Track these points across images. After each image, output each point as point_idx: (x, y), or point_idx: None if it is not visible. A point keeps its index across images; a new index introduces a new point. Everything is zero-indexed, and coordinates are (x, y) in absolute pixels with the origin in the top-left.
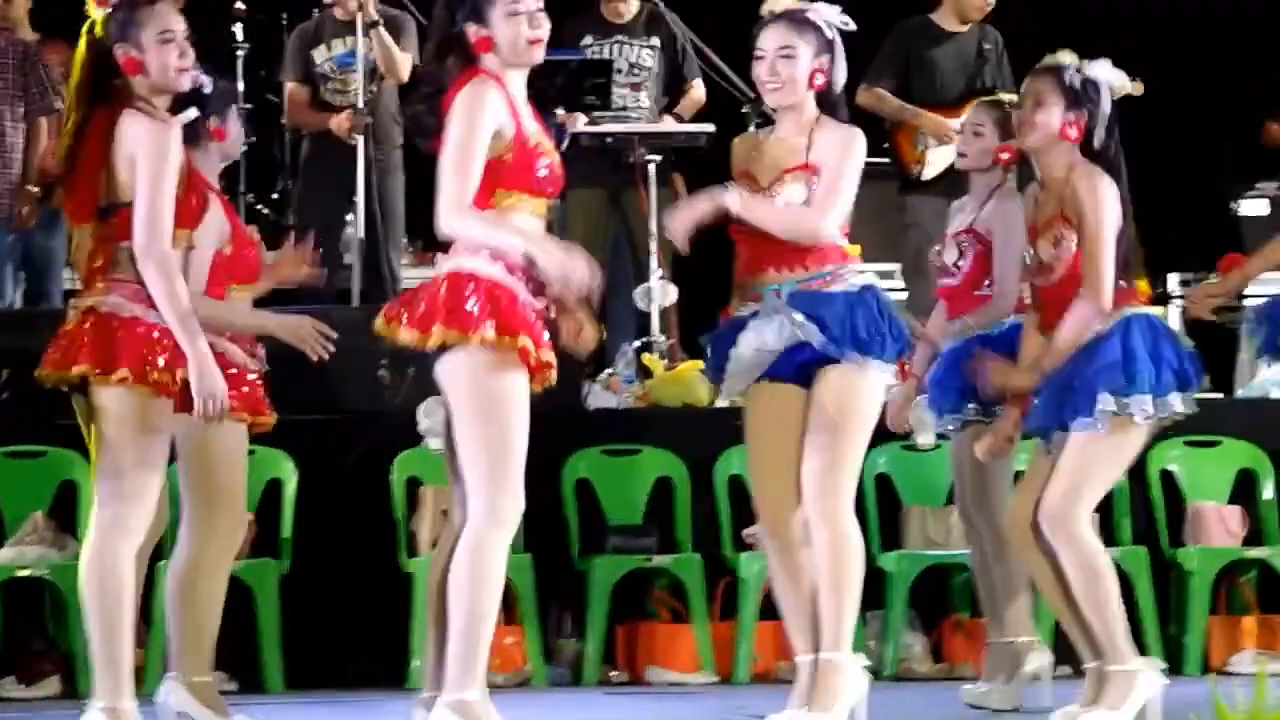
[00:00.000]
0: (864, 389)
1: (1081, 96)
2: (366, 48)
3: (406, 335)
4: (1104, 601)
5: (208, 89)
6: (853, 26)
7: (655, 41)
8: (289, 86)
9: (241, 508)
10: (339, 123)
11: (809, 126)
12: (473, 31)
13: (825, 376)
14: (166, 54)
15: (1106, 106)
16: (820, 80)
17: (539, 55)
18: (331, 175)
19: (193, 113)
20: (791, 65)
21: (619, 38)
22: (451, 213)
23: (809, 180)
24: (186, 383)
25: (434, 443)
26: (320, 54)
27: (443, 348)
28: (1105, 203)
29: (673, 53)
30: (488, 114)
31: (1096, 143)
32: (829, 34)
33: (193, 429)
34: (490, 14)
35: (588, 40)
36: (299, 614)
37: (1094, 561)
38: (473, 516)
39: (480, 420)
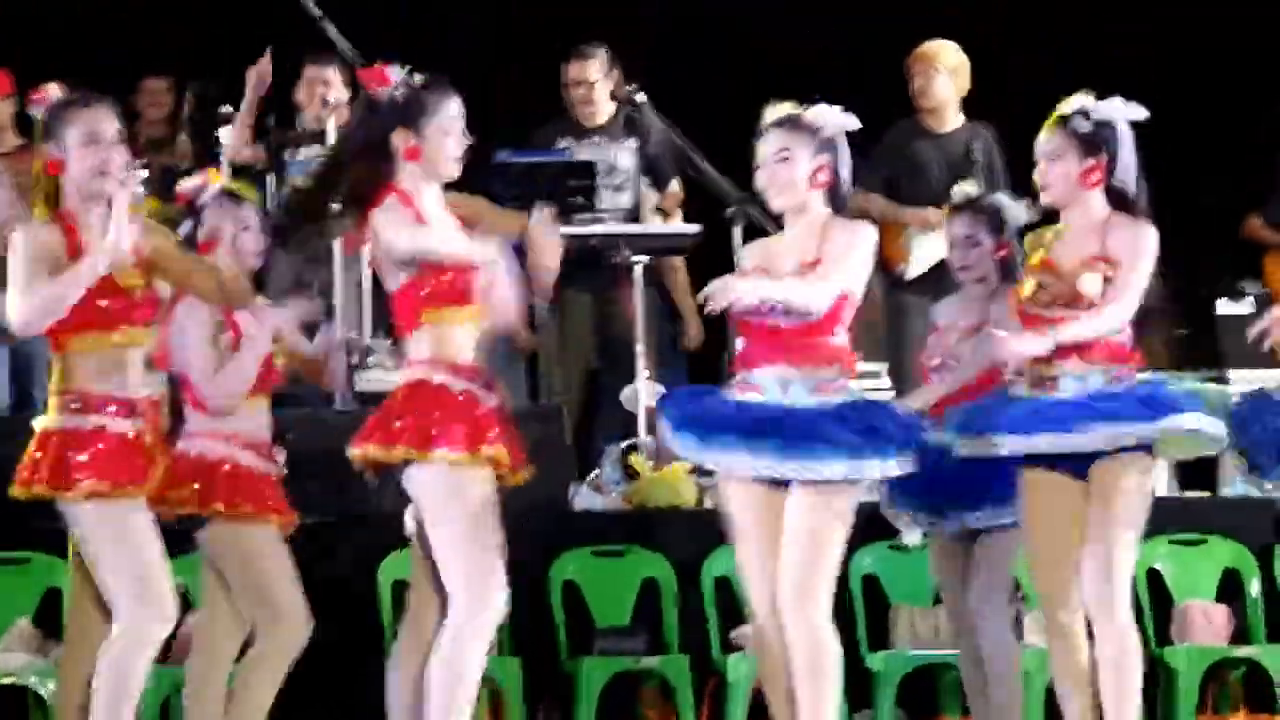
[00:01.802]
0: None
1: (1096, 139)
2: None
3: (376, 453)
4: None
5: (205, 199)
6: (855, 125)
7: (632, 143)
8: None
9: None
10: None
11: (818, 225)
12: (402, 139)
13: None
14: (88, 156)
15: (1126, 144)
16: (823, 179)
17: (457, 172)
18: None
19: (185, 225)
20: (789, 168)
21: (596, 139)
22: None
23: None
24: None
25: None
26: (294, 159)
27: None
28: (1145, 249)
29: (651, 154)
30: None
31: (1118, 183)
32: (828, 133)
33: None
34: (425, 125)
35: (564, 144)
36: (287, 716)
37: None
38: (452, 614)
39: (451, 525)
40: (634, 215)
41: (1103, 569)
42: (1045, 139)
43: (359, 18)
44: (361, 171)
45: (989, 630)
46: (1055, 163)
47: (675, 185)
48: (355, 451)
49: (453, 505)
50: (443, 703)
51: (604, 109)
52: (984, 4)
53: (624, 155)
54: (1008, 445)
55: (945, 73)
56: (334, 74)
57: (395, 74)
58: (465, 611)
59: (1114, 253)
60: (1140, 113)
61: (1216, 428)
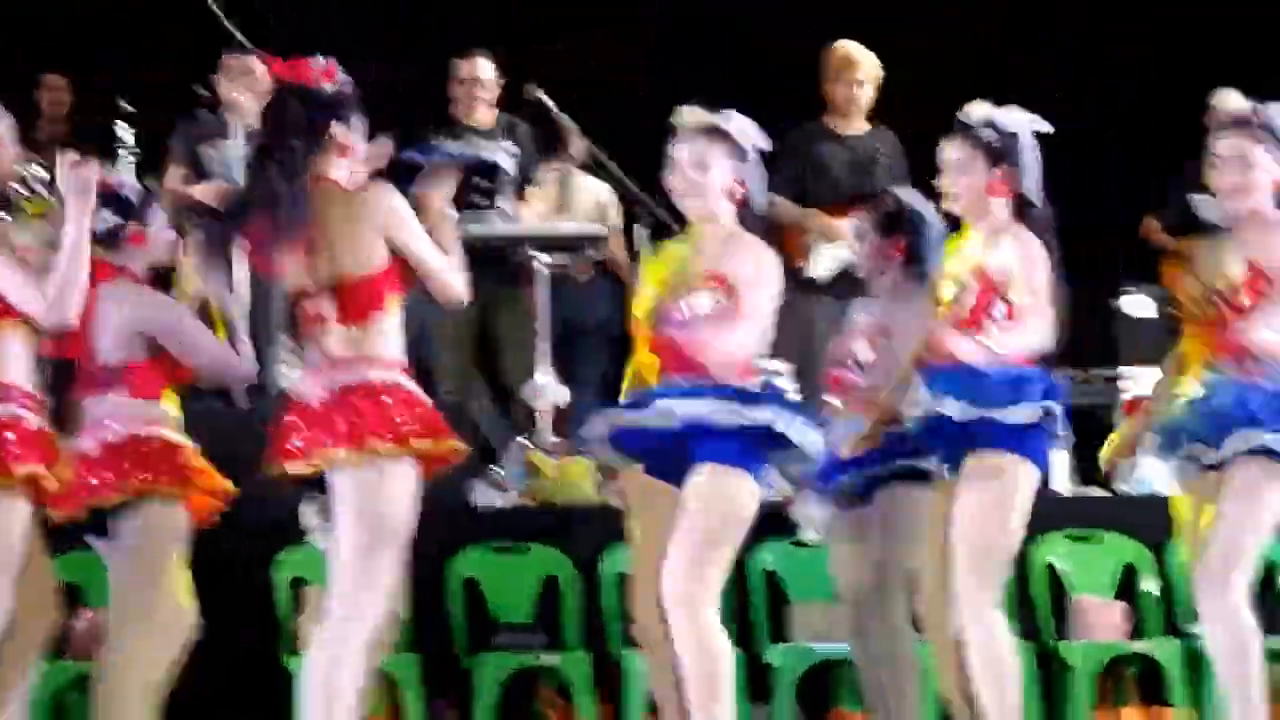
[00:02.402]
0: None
1: (1002, 151)
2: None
3: (299, 467)
4: None
5: (126, 192)
6: (766, 145)
7: (511, 144)
8: (172, 171)
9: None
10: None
11: (723, 238)
12: (341, 133)
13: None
14: None
15: (1030, 154)
16: (738, 192)
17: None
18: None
19: (109, 216)
20: (705, 176)
21: (477, 140)
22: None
23: (716, 292)
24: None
25: (320, 539)
26: (209, 151)
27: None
28: (1038, 264)
29: (524, 159)
30: None
31: (1025, 191)
32: (744, 145)
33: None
34: (357, 121)
35: (447, 142)
36: (178, 713)
37: None
38: (335, 613)
39: (364, 526)
40: (517, 216)
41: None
42: (950, 149)
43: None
44: (291, 165)
45: (885, 625)
46: (962, 174)
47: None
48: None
49: (370, 511)
50: (334, 702)
51: (487, 109)
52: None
53: (504, 157)
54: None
55: (870, 83)
56: (258, 65)
57: (338, 69)
58: (348, 614)
59: (1006, 266)
60: (1045, 125)
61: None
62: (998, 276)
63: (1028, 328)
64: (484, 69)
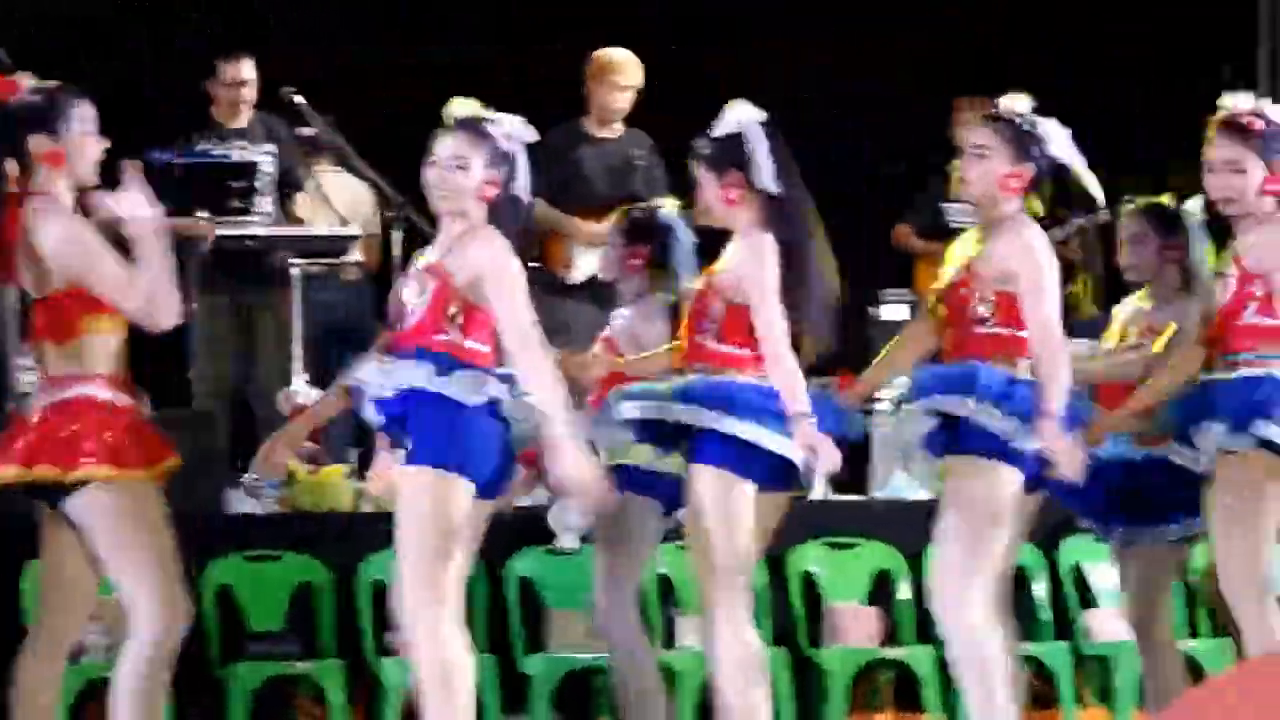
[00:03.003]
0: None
1: (724, 157)
2: None
3: (10, 474)
4: None
5: None
6: (534, 138)
7: (271, 147)
8: None
9: None
10: None
11: (461, 234)
12: (38, 144)
13: None
14: None
15: (762, 152)
16: (492, 193)
17: (95, 176)
18: None
19: None
20: (463, 175)
21: (237, 142)
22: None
23: (425, 280)
24: None
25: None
26: None
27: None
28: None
29: (285, 159)
30: None
31: (766, 184)
32: (505, 146)
33: None
34: (63, 128)
35: (204, 145)
36: None
37: None
38: (133, 630)
39: (122, 544)
40: (277, 219)
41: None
42: (691, 161)
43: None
44: None
45: (620, 632)
46: (699, 188)
47: (306, 192)
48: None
49: (122, 525)
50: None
51: (247, 112)
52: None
53: (264, 159)
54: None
55: (633, 90)
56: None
57: (25, 81)
58: (145, 630)
59: (738, 274)
60: (762, 116)
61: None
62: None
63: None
64: (247, 70)
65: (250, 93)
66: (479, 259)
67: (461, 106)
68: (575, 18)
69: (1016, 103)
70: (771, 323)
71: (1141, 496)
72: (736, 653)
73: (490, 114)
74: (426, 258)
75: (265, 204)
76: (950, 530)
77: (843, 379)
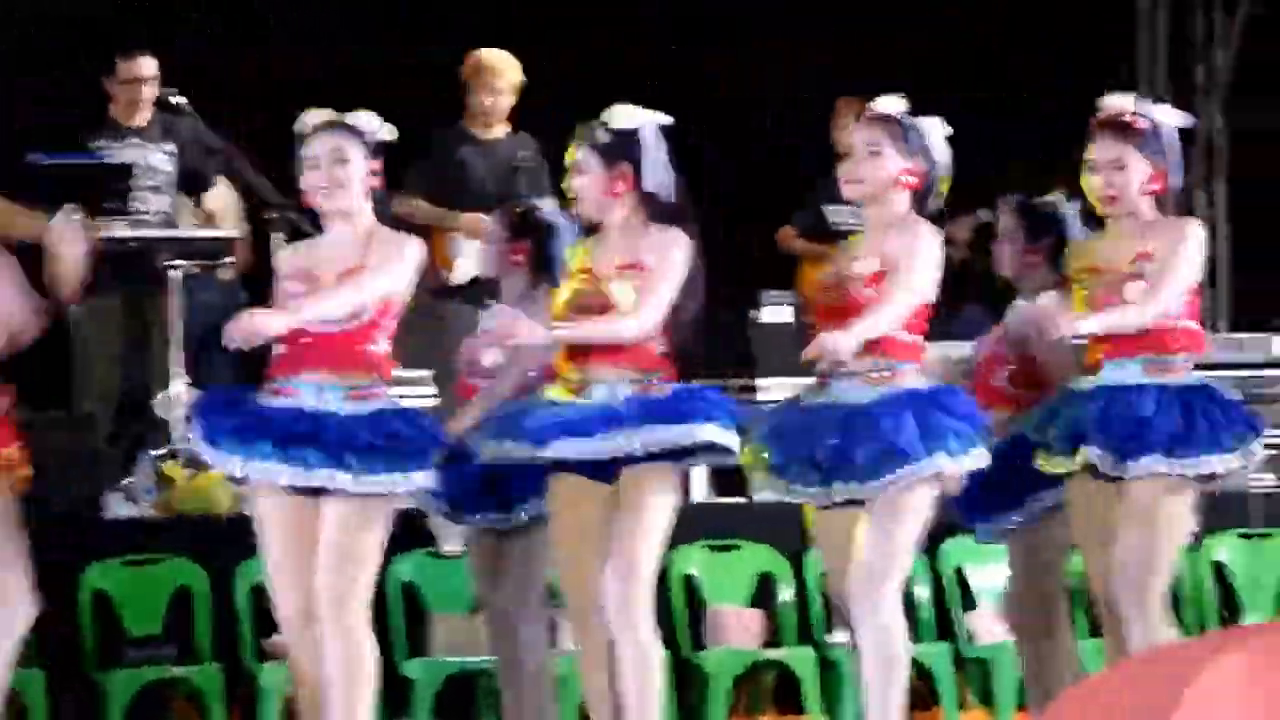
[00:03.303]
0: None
1: (618, 149)
2: None
3: None
4: None
5: None
6: (391, 136)
7: (171, 146)
8: None
9: None
10: None
11: (363, 233)
12: None
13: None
14: None
15: (652, 152)
16: (374, 183)
17: None
18: None
19: None
20: (344, 171)
21: (134, 141)
22: None
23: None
24: None
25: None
26: None
27: None
28: (675, 256)
29: (190, 157)
30: None
31: (652, 190)
32: (379, 138)
33: None
34: None
35: (101, 143)
36: None
37: None
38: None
39: None
40: (171, 220)
41: (625, 578)
42: (573, 150)
43: None
44: None
45: (520, 634)
46: (581, 175)
47: (217, 192)
48: None
49: None
50: None
51: (146, 111)
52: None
53: (161, 159)
54: (529, 452)
55: (510, 91)
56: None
57: None
58: None
59: (645, 260)
60: (666, 119)
61: (730, 438)
62: (620, 274)
63: (626, 323)
64: (147, 68)
65: (149, 91)
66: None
67: (317, 114)
68: (575, 18)
69: (896, 103)
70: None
71: (1004, 481)
72: (636, 653)
73: (347, 115)
74: (334, 265)
75: (158, 204)
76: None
77: None
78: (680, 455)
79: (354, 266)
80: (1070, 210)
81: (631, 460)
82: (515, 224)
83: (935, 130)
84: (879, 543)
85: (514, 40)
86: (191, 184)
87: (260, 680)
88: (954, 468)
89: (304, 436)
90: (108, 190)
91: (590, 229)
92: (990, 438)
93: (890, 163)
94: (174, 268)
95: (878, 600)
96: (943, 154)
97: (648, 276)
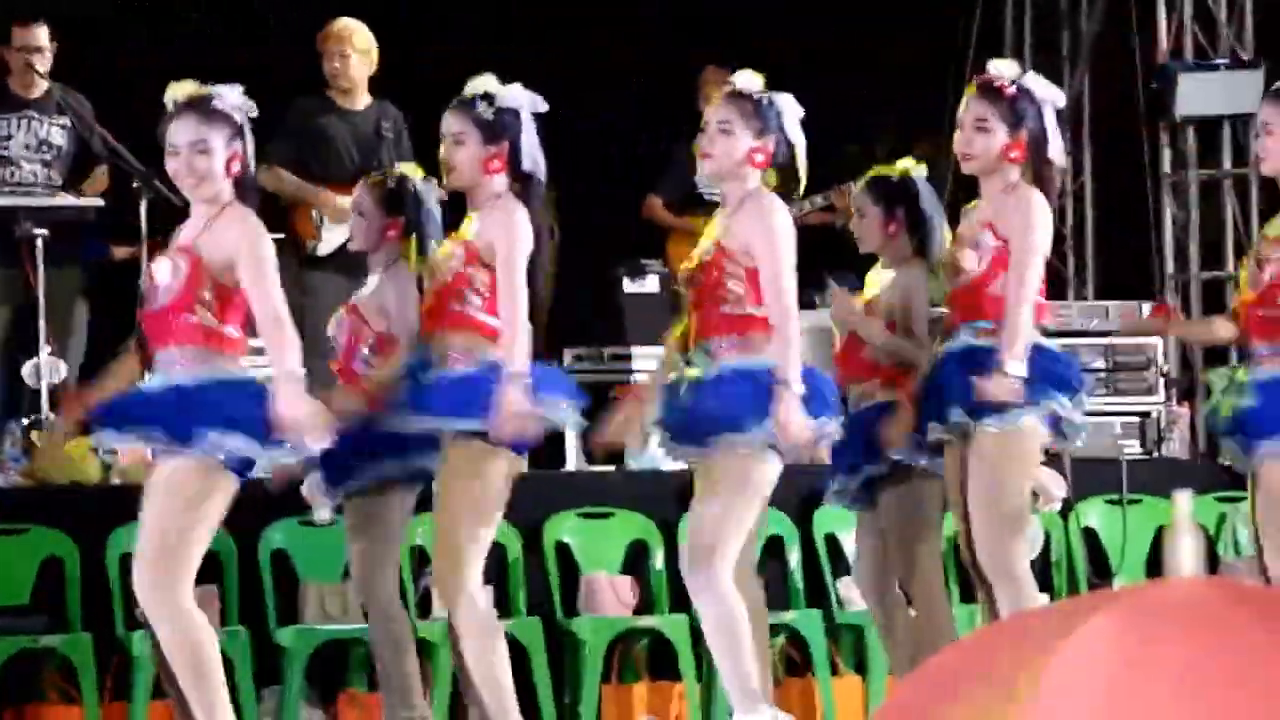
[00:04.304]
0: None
1: (497, 126)
2: None
3: None
4: None
5: None
6: (252, 112)
7: (66, 120)
8: None
9: None
10: None
11: (213, 214)
12: None
13: None
14: None
15: (529, 131)
16: (236, 168)
17: None
18: None
19: None
20: (209, 160)
21: (29, 113)
22: None
23: (179, 260)
24: None
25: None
26: None
27: None
28: (520, 235)
29: (81, 132)
30: None
31: (527, 165)
32: (238, 119)
33: None
34: None
35: None
36: None
37: None
38: None
39: None
40: (67, 189)
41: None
42: (449, 120)
43: None
44: None
45: (378, 600)
46: (459, 146)
47: (100, 172)
48: None
49: None
50: None
51: (43, 83)
52: None
53: (56, 131)
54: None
55: (357, 54)
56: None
57: None
58: None
59: (488, 239)
60: (542, 105)
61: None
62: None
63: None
64: (40, 37)
65: (43, 62)
66: (231, 240)
67: (182, 89)
68: (576, 18)
69: (753, 79)
70: (517, 288)
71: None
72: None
73: (211, 89)
74: (180, 237)
75: (53, 176)
76: (706, 500)
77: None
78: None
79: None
80: (921, 177)
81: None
82: (388, 198)
83: (789, 109)
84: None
85: (514, 40)
86: (82, 157)
87: (131, 649)
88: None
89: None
90: None
91: (456, 200)
92: (840, 410)
93: (740, 140)
94: (39, 237)
95: (710, 565)
96: (797, 134)
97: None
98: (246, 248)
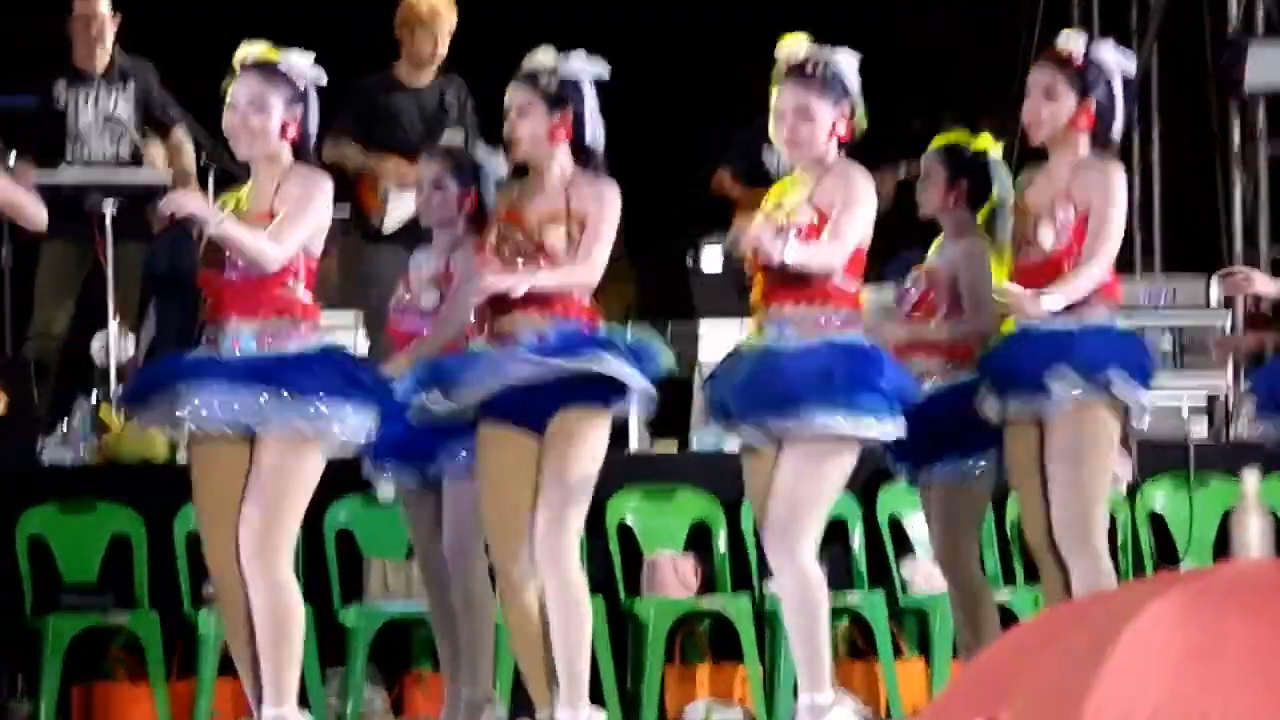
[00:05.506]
0: None
1: (560, 97)
2: None
3: None
4: None
5: None
6: (320, 80)
7: (131, 91)
8: None
9: None
10: None
11: (279, 174)
12: None
13: None
14: None
15: (590, 102)
16: (293, 132)
17: None
18: None
19: None
20: (265, 118)
21: (94, 86)
22: None
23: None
24: None
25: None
26: None
27: None
28: (609, 205)
29: (149, 103)
30: None
31: (588, 139)
32: (300, 85)
33: None
34: None
35: (60, 88)
36: None
37: None
38: None
39: None
40: (136, 162)
41: (553, 527)
42: (514, 93)
43: None
44: None
45: (462, 580)
46: (524, 119)
47: (177, 135)
48: None
49: None
50: None
51: (106, 53)
52: None
53: (122, 103)
54: (464, 398)
55: (444, 37)
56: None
57: None
58: None
59: (579, 209)
60: (604, 70)
61: (639, 380)
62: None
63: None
64: (100, 5)
65: (102, 31)
66: (295, 190)
67: (251, 50)
68: (575, 17)
69: (809, 48)
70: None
71: (943, 431)
72: (564, 594)
73: (281, 53)
74: (252, 205)
75: (108, 149)
76: (788, 479)
77: None
78: (601, 397)
79: (266, 211)
80: (995, 159)
81: (555, 406)
82: (457, 171)
83: (850, 65)
84: (791, 490)
85: (514, 40)
86: (152, 126)
87: (198, 627)
88: (849, 429)
89: (242, 381)
90: (45, 135)
91: (516, 172)
92: (914, 396)
93: (823, 121)
94: (108, 211)
95: (793, 545)
96: (855, 87)
97: (590, 225)
98: (301, 193)
